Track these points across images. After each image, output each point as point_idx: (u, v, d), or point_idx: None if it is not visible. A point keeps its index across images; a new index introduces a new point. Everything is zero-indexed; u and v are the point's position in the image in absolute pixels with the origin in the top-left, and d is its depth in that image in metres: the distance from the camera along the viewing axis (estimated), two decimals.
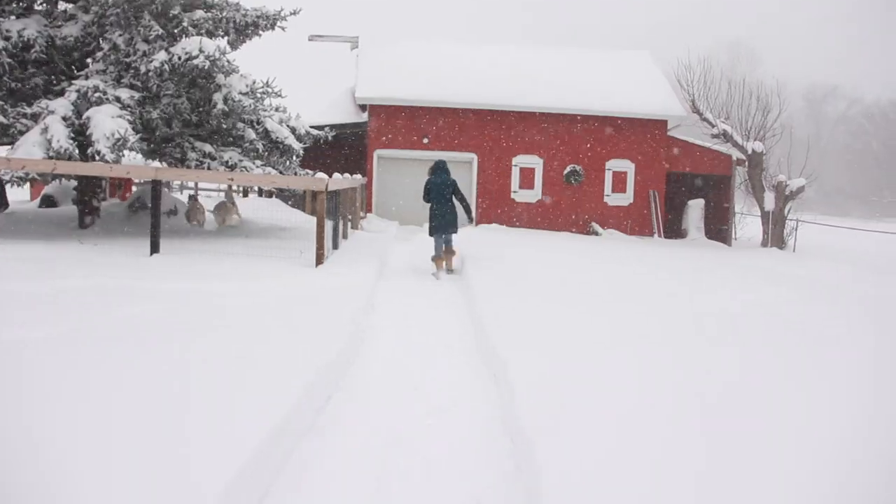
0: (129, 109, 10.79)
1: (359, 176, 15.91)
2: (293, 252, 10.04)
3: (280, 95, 12.18)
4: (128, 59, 11.19)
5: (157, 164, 9.08)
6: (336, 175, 11.39)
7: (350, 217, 15.02)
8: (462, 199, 10.83)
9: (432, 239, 10.84)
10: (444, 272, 10.57)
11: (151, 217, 9.17)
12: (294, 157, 13.10)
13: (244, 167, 12.00)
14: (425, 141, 20.10)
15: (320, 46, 23.08)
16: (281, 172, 13.38)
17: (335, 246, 11.10)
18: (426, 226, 12.36)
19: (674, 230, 22.45)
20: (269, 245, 10.80)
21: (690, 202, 22.32)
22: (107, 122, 10.01)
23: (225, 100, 11.37)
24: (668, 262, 12.97)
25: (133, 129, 10.72)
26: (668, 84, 22.00)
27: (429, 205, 10.77)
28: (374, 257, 10.66)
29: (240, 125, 12.25)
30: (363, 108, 20.44)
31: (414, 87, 20.11)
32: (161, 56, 10.74)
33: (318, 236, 9.15)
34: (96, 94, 10.55)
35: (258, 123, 12.53)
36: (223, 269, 8.40)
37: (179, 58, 10.73)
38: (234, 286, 7.37)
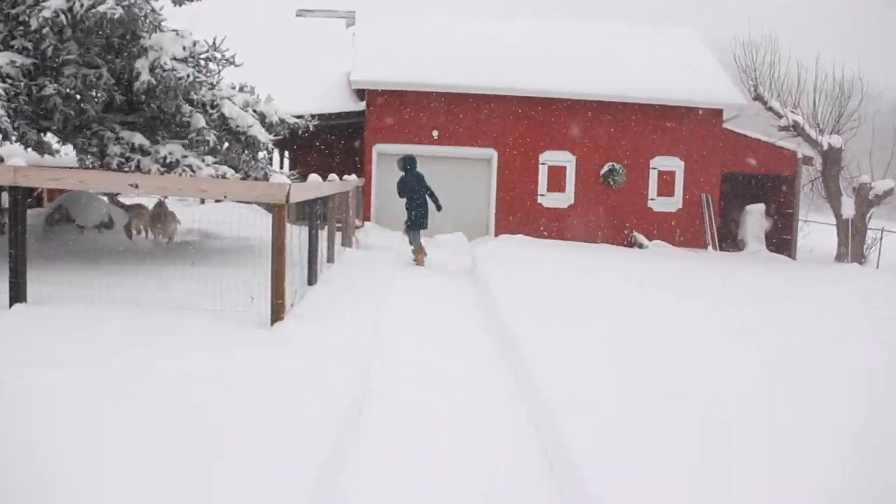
0: (9, 81, 7.39)
1: (353, 177, 12.50)
2: (242, 295, 6.61)
3: (233, 63, 8.70)
4: (14, 11, 7.79)
5: (18, 160, 5.67)
6: (313, 177, 7.95)
7: (341, 227, 11.62)
8: (431, 193, 11.67)
9: (422, 257, 11.69)
10: (423, 266, 11.54)
11: (10, 245, 5.71)
12: (262, 153, 9.68)
13: (188, 166, 8.57)
14: (434, 135, 16.62)
15: (311, 24, 19.62)
16: (246, 172, 9.98)
17: (311, 281, 7.65)
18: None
19: (728, 241, 18.97)
20: (214, 279, 7.39)
21: (749, 208, 18.83)
22: None
23: (152, 69, 7.92)
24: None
25: (15, 109, 7.33)
26: (720, 67, 18.53)
27: (409, 202, 11.65)
28: (368, 300, 7.21)
29: (185, 109, 8.80)
30: (361, 94, 16.98)
31: (421, 70, 16.58)
32: (56, 3, 7.33)
33: (274, 276, 5.66)
34: None
35: (212, 107, 9.11)
36: (89, 345, 4.83)
37: (82, 5, 7.31)
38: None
